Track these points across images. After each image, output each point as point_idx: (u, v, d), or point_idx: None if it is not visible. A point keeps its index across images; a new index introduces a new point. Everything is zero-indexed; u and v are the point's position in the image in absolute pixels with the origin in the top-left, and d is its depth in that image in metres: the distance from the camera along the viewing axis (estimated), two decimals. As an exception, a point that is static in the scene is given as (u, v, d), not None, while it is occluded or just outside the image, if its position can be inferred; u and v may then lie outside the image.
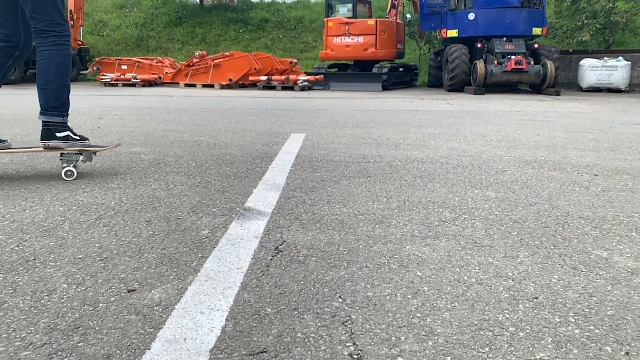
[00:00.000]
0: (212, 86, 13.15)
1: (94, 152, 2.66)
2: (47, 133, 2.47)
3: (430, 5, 12.85)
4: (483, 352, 1.03)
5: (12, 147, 2.63)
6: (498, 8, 11.56)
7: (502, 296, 1.28)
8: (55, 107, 2.46)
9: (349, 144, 3.76)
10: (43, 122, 2.48)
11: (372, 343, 1.06)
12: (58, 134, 2.47)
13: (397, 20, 14.22)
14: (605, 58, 12.15)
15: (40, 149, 2.50)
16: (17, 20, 2.44)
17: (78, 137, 2.53)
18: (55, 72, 2.44)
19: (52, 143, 2.46)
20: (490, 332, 1.10)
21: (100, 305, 1.21)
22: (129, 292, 1.28)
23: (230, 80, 13.05)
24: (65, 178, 2.48)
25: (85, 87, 12.60)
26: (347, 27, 13.12)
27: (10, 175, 2.58)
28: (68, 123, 2.52)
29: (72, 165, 2.50)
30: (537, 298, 1.27)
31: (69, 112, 2.56)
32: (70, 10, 15.31)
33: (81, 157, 2.55)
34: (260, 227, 1.80)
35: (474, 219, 1.92)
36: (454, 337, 1.08)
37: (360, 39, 13.08)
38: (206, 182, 2.48)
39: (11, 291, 1.27)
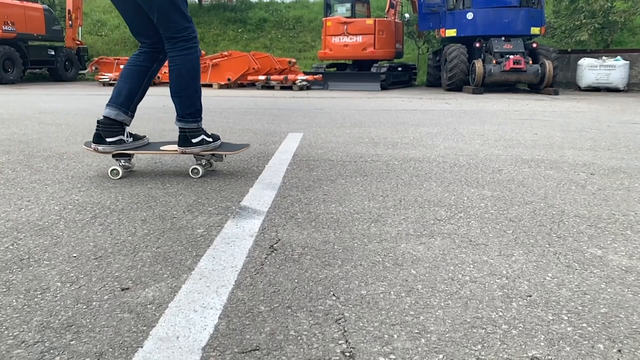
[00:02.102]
0: (210, 86, 13.14)
1: (224, 155, 2.75)
2: (184, 140, 2.52)
3: (428, 5, 12.84)
4: (475, 350, 1.03)
5: (149, 150, 2.64)
6: (496, 8, 11.56)
7: (496, 294, 1.28)
8: (190, 113, 2.49)
9: (346, 144, 3.76)
10: (180, 128, 2.52)
11: (365, 341, 1.06)
12: (193, 140, 2.51)
13: (396, 20, 14.22)
14: (604, 58, 12.16)
15: (177, 152, 2.56)
16: (155, 27, 2.44)
17: (211, 139, 2.56)
18: (186, 78, 2.45)
19: (188, 150, 2.53)
20: (483, 330, 1.10)
21: (94, 303, 1.21)
22: (122, 290, 1.28)
23: (228, 79, 13.05)
24: (191, 175, 2.56)
25: (83, 87, 12.59)
26: (345, 26, 13.12)
27: (7, 175, 2.57)
28: (202, 126, 2.56)
29: (199, 164, 2.59)
30: (530, 296, 1.27)
31: (132, 113, 2.60)
32: (69, 10, 15.33)
33: (212, 158, 2.67)
34: (255, 225, 1.80)
35: (469, 218, 1.93)
36: (447, 335, 1.08)
37: (359, 39, 13.07)
38: (202, 181, 2.47)
39: (5, 290, 1.27)
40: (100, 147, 2.53)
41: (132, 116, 2.60)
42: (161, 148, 2.65)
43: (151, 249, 1.57)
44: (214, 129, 4.48)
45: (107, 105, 2.53)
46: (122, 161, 2.62)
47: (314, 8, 20.90)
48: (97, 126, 2.53)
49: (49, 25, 14.84)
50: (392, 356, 1.01)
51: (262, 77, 12.75)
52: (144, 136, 2.74)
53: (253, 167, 2.85)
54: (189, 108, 2.49)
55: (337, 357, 1.00)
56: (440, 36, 13.21)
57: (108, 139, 2.52)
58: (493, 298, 1.26)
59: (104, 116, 2.52)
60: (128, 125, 2.59)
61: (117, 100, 2.52)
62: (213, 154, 2.62)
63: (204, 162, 2.64)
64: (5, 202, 2.06)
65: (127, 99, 2.54)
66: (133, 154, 2.64)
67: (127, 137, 2.59)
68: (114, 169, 2.55)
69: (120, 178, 2.53)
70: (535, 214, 1.99)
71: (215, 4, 22.52)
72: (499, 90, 11.84)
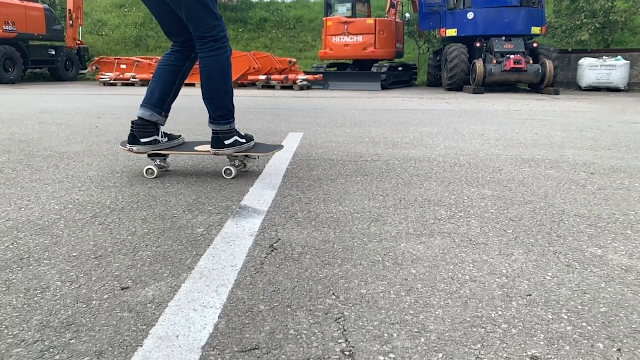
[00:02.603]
0: (211, 85, 13.12)
1: (257, 157, 2.74)
2: (217, 141, 2.49)
3: (429, 4, 12.84)
4: (475, 349, 1.03)
5: (183, 151, 2.63)
6: (497, 7, 11.56)
7: (496, 293, 1.28)
8: (221, 115, 2.46)
9: (346, 143, 3.76)
10: (212, 130, 2.50)
11: (364, 340, 1.06)
12: (226, 141, 2.49)
13: (396, 20, 14.21)
14: (604, 57, 12.15)
15: (210, 153, 2.54)
16: (185, 26, 2.41)
17: (244, 140, 2.53)
18: (217, 79, 2.42)
19: (221, 151, 2.50)
20: (483, 329, 1.10)
21: (94, 302, 1.21)
22: (122, 289, 1.28)
23: (229, 79, 13.02)
24: (224, 176, 2.55)
25: (84, 87, 12.59)
26: (346, 26, 13.12)
27: (7, 174, 2.58)
28: (235, 127, 2.53)
29: (232, 164, 2.57)
30: (530, 295, 1.27)
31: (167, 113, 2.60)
32: (69, 10, 15.34)
33: (245, 159, 2.67)
34: (255, 225, 1.80)
35: (469, 217, 1.93)
36: (447, 334, 1.08)
37: (359, 39, 13.07)
38: (202, 181, 2.47)
39: (4, 289, 1.27)
40: (134, 148, 2.54)
41: (166, 116, 2.59)
42: (195, 148, 2.64)
43: (151, 248, 1.57)
44: (214, 128, 4.48)
45: (141, 105, 2.53)
46: (158, 160, 2.63)
47: (315, 8, 20.90)
48: (132, 127, 2.54)
49: (49, 24, 14.84)
50: (391, 355, 1.01)
51: (262, 77, 12.75)
52: (179, 135, 2.74)
53: (253, 166, 2.85)
54: (220, 110, 2.46)
55: (337, 356, 1.00)
56: (440, 36, 13.21)
57: (142, 139, 2.53)
58: (493, 297, 1.26)
59: (138, 117, 2.53)
60: (162, 125, 2.59)
61: (150, 100, 2.52)
62: (246, 155, 2.61)
63: (237, 162, 2.63)
64: (5, 201, 2.06)
65: (159, 99, 2.53)
66: (168, 154, 2.65)
67: (161, 137, 2.59)
68: (149, 168, 2.56)
69: (119, 177, 2.53)
70: (535, 213, 1.99)
71: (216, 4, 22.48)
72: (500, 89, 11.83)
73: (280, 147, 2.70)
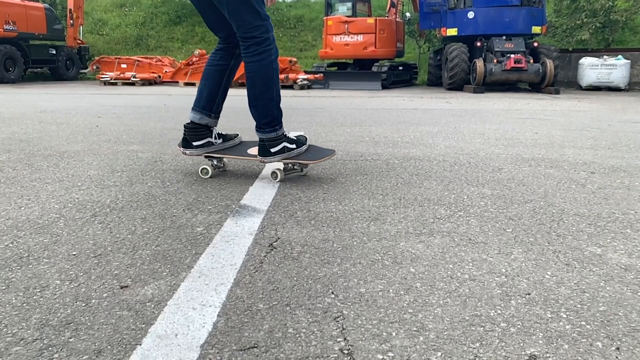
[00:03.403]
0: (211, 85, 13.12)
1: (306, 165, 2.56)
2: (263, 150, 2.41)
3: (429, 4, 12.83)
4: (474, 348, 1.03)
5: (234, 155, 2.56)
6: (497, 7, 11.55)
7: (495, 292, 1.28)
8: (267, 123, 2.36)
9: (346, 142, 3.76)
10: (259, 138, 2.42)
11: (363, 338, 1.06)
12: (273, 149, 2.39)
13: (397, 19, 14.20)
14: (605, 57, 12.14)
15: (257, 160, 2.47)
16: (227, 21, 2.32)
17: (294, 146, 2.42)
18: (260, 87, 2.32)
19: (267, 159, 2.42)
20: (482, 328, 1.10)
21: (93, 301, 1.21)
22: (121, 288, 1.28)
23: (229, 79, 13.02)
24: (270, 178, 2.49)
25: (84, 86, 12.60)
26: (346, 25, 13.11)
27: (7, 173, 2.58)
28: (284, 131, 2.43)
29: (277, 169, 2.48)
30: (529, 294, 1.27)
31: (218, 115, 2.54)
32: (70, 9, 15.34)
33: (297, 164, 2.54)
34: (255, 224, 1.80)
35: (469, 216, 1.93)
36: (445, 333, 1.08)
37: (360, 38, 13.06)
38: (202, 180, 2.48)
39: (4, 287, 1.27)
40: (187, 151, 2.53)
41: (217, 117, 2.54)
42: (248, 151, 2.57)
43: (150, 247, 1.57)
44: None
45: (192, 109, 2.51)
46: (215, 161, 2.61)
47: (315, 7, 20.89)
48: (184, 130, 2.52)
49: (50, 24, 14.85)
50: (390, 354, 1.01)
51: (263, 76, 12.72)
52: (236, 135, 2.68)
53: (253, 165, 2.85)
54: (265, 117, 2.36)
55: (336, 355, 1.00)
56: (441, 35, 13.20)
57: (194, 143, 2.51)
58: (492, 296, 1.26)
59: (190, 121, 2.51)
60: (214, 127, 2.55)
61: (198, 103, 2.49)
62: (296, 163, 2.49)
63: (289, 166, 2.52)
64: (5, 201, 2.06)
65: (208, 101, 2.48)
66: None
67: (215, 138, 2.55)
68: (203, 168, 2.54)
69: (120, 177, 2.53)
70: (535, 212, 1.99)
71: (216, 3, 22.50)
72: (500, 89, 11.83)
73: (332, 152, 2.55)
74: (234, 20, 2.26)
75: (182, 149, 2.55)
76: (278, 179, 2.46)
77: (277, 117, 2.39)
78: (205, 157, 2.59)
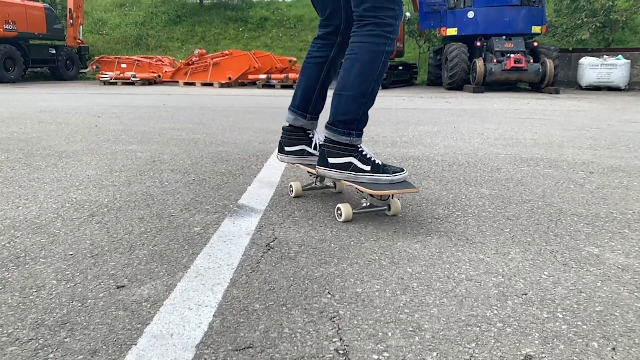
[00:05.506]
0: (211, 85, 13.15)
1: (381, 197, 1.85)
2: (321, 156, 1.93)
3: (429, 3, 12.85)
4: (469, 348, 1.03)
5: (311, 164, 2.11)
6: (497, 6, 11.56)
7: (491, 292, 1.28)
8: (343, 121, 1.86)
9: (345, 142, 3.75)
10: (324, 138, 1.93)
11: (359, 338, 1.06)
12: (332, 159, 1.88)
13: (397, 19, 14.18)
14: (605, 56, 12.15)
15: (312, 170, 2.06)
16: (341, 10, 1.97)
17: (367, 167, 1.85)
18: (357, 75, 1.83)
19: (321, 170, 1.93)
20: (478, 328, 1.10)
21: (89, 301, 1.21)
22: (118, 288, 1.28)
23: (229, 78, 13.06)
24: (337, 218, 1.86)
25: (84, 86, 12.60)
26: (346, 25, 13.10)
27: (6, 173, 2.58)
28: (361, 146, 1.91)
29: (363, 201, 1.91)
30: (526, 294, 1.27)
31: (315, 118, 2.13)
32: (70, 9, 15.35)
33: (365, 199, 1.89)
34: (252, 224, 1.80)
35: (466, 216, 1.92)
36: (441, 333, 1.08)
37: (360, 38, 13.04)
38: (200, 180, 2.47)
39: (0, 287, 1.27)
40: (279, 156, 2.19)
41: (315, 119, 2.12)
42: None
43: (147, 247, 1.57)
44: (214, 127, 4.48)
45: (288, 108, 2.15)
46: (318, 181, 2.19)
47: (315, 7, 20.87)
48: (282, 133, 2.17)
49: (50, 24, 14.86)
50: (385, 354, 1.00)
51: (263, 76, 12.76)
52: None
53: (252, 165, 2.85)
54: (344, 114, 1.85)
55: (331, 355, 1.00)
56: (441, 35, 13.21)
57: (286, 148, 2.14)
58: (488, 296, 1.26)
59: (287, 123, 2.15)
60: (314, 132, 2.14)
61: (293, 103, 2.12)
62: (359, 190, 1.88)
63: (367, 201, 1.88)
64: (3, 200, 2.06)
65: (302, 99, 2.09)
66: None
67: (314, 148, 2.11)
68: (290, 185, 2.19)
69: (117, 176, 2.53)
70: (532, 212, 1.99)
71: (216, 3, 22.54)
72: (500, 89, 11.83)
73: (415, 189, 1.86)
74: None
75: (277, 153, 2.22)
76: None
77: (360, 120, 1.88)
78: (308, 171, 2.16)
